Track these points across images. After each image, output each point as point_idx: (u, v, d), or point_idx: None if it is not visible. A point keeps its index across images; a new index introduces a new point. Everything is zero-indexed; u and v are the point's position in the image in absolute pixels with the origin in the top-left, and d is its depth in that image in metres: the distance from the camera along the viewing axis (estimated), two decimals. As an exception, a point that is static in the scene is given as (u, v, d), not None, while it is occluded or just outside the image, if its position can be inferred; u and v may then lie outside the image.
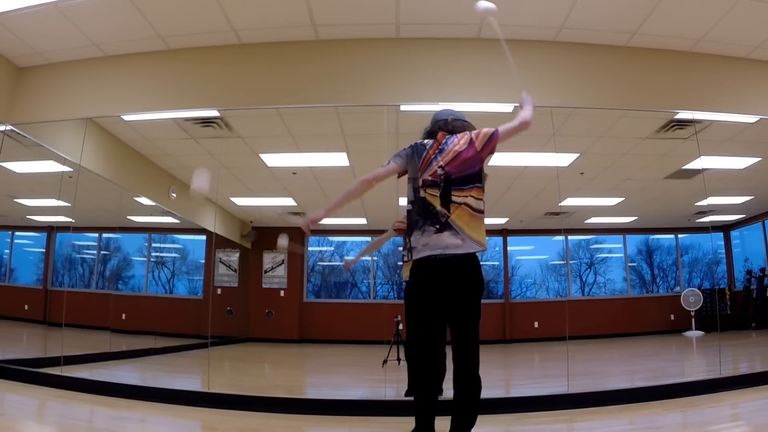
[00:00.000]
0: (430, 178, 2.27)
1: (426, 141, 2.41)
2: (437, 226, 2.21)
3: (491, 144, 2.33)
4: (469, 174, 2.27)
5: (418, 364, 2.25)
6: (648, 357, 6.46)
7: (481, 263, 2.29)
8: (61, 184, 5.06)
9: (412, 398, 3.64)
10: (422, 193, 2.28)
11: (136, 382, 4.56)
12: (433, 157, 2.31)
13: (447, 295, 2.19)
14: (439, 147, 2.34)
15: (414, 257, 2.27)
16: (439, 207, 2.23)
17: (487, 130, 2.36)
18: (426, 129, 2.50)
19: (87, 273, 6.49)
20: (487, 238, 2.26)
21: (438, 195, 2.24)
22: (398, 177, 2.41)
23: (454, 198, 2.23)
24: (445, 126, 2.42)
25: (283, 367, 6.44)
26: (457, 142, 2.33)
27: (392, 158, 2.40)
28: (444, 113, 2.50)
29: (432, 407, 2.24)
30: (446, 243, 2.19)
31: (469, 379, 2.18)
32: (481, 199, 2.27)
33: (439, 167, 2.27)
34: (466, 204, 2.23)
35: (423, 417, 2.23)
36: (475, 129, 2.43)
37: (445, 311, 2.21)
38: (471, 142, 2.33)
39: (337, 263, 10.26)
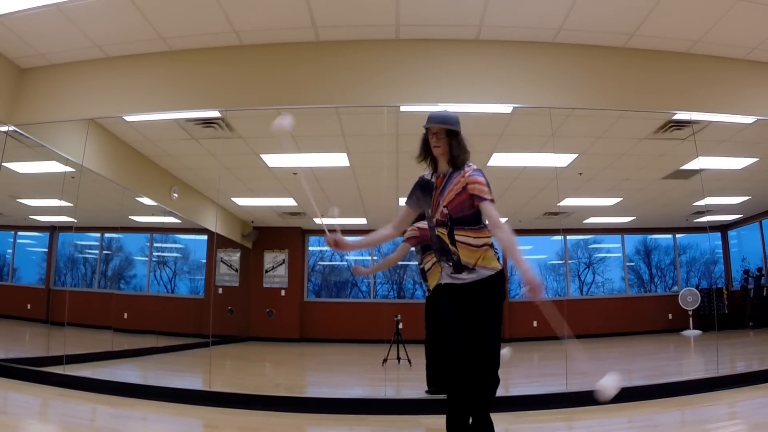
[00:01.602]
0: (439, 218, 2.31)
1: (428, 177, 2.39)
2: (451, 264, 2.29)
3: (476, 202, 2.24)
4: (465, 216, 2.26)
5: (455, 380, 2.25)
6: (646, 356, 6.48)
7: (503, 278, 2.31)
8: (63, 185, 5.07)
9: (431, 396, 3.70)
10: (437, 232, 2.33)
11: (137, 380, 4.59)
12: (439, 195, 2.31)
13: (469, 305, 2.25)
14: (442, 185, 2.31)
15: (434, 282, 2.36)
16: (449, 245, 2.29)
17: (480, 189, 2.22)
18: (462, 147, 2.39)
19: (89, 272, 6.50)
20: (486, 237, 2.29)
21: (446, 234, 2.30)
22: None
23: (456, 237, 2.27)
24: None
25: (284, 366, 6.45)
26: (457, 182, 2.27)
27: (406, 201, 2.45)
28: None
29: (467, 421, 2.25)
30: (465, 278, 2.27)
31: (483, 408, 2.22)
32: (480, 237, 2.26)
33: (444, 207, 2.28)
34: (465, 243, 2.26)
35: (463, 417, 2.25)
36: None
37: (468, 320, 2.25)
38: (465, 188, 2.25)
39: (338, 263, 10.29)
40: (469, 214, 2.25)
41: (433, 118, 2.29)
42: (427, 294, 3.99)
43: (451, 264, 2.28)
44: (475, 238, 2.25)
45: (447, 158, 2.31)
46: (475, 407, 2.22)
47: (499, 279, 2.27)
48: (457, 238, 2.25)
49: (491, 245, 2.29)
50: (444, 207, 2.27)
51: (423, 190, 2.39)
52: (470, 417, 2.24)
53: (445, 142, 2.28)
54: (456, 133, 2.28)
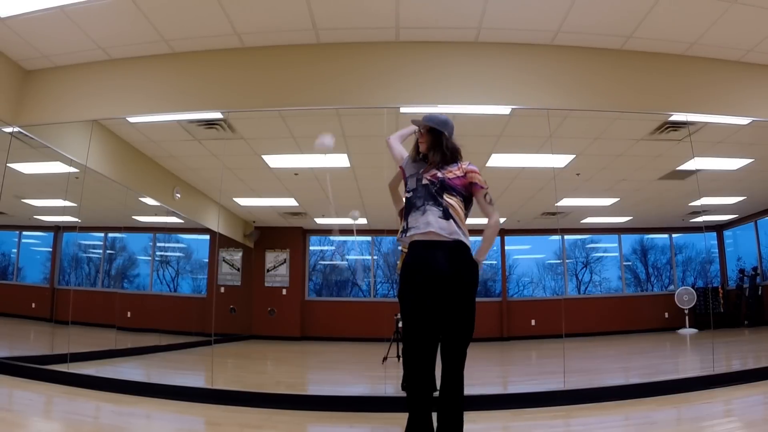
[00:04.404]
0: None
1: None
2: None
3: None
4: None
5: (412, 358, 2.33)
6: (642, 354, 6.51)
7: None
8: (67, 185, 5.10)
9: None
10: None
11: (141, 378, 4.63)
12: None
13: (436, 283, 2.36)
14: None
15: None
16: None
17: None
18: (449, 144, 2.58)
19: (93, 272, 6.52)
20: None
21: None
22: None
23: None
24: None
25: (285, 364, 6.48)
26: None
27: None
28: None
29: (427, 402, 2.32)
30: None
31: (454, 387, 2.31)
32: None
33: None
34: None
35: (418, 412, 2.31)
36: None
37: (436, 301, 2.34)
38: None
39: (338, 262, 10.34)
40: None
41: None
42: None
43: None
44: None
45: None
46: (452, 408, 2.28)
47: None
48: None
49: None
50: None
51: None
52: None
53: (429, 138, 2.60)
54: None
